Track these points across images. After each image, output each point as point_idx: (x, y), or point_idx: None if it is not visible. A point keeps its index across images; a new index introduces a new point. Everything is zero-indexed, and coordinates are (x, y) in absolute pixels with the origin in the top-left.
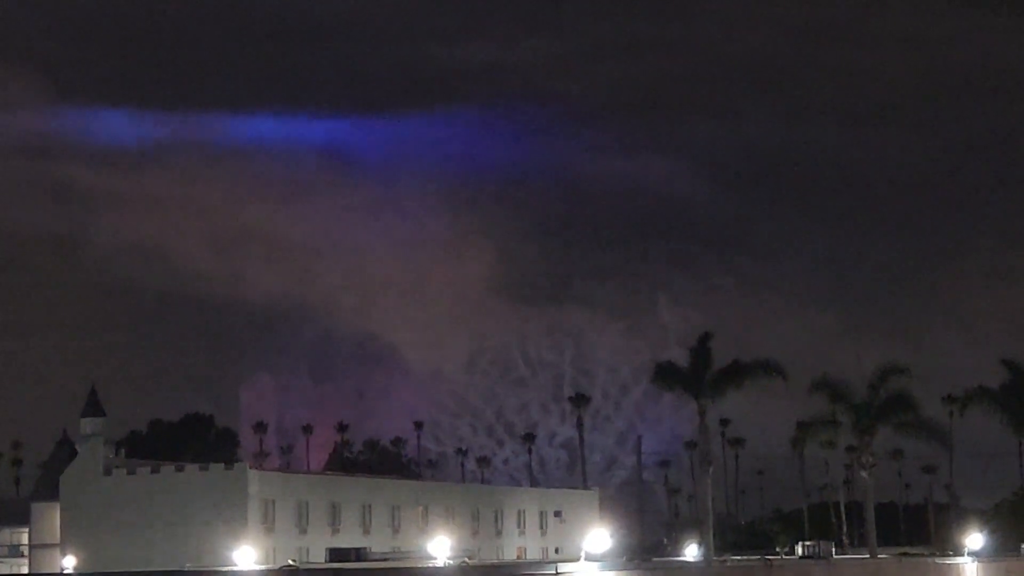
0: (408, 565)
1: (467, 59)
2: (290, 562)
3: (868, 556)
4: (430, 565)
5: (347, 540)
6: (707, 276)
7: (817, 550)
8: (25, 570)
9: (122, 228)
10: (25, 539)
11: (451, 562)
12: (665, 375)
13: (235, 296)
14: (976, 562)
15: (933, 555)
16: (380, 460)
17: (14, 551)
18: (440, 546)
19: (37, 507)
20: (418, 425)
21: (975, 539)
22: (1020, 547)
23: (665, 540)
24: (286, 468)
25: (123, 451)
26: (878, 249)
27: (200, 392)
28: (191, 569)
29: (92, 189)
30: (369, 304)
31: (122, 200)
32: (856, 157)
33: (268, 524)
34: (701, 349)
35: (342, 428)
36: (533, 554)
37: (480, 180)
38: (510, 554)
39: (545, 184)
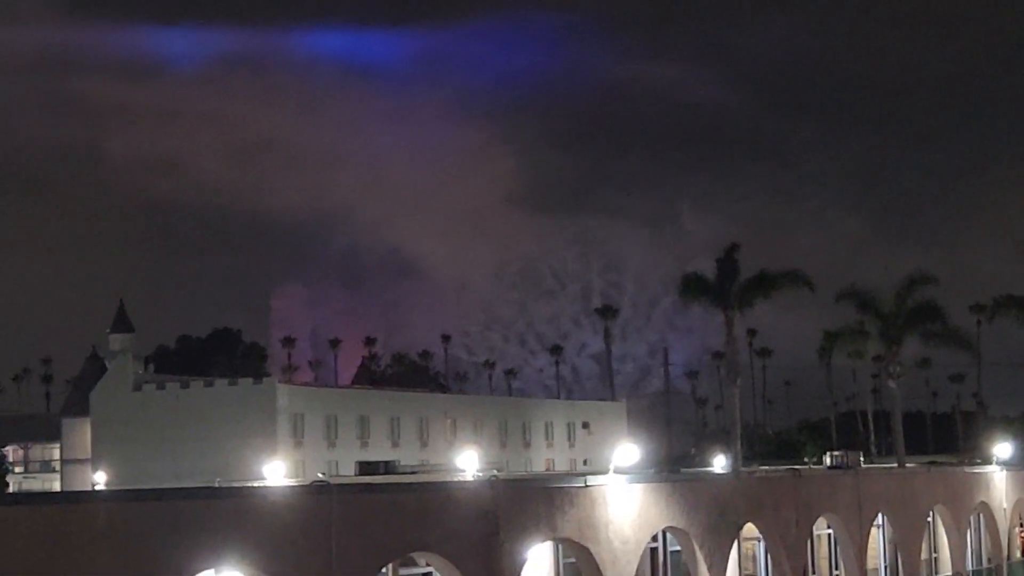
0: (437, 478)
1: None
2: (319, 476)
3: (896, 465)
4: (459, 478)
5: (376, 453)
6: (734, 184)
7: (845, 460)
8: (57, 485)
9: (138, 141)
10: (56, 454)
11: (479, 475)
12: (692, 287)
13: (255, 208)
14: (1005, 470)
15: (961, 464)
16: (408, 373)
17: (46, 466)
18: (468, 459)
19: (68, 423)
20: (445, 338)
21: (1003, 448)
22: None
23: (693, 451)
24: (315, 382)
25: (152, 367)
26: (909, 155)
27: (227, 306)
28: (221, 484)
29: (107, 103)
30: (391, 216)
31: (137, 113)
32: (888, 62)
33: (297, 438)
34: (728, 260)
35: (370, 342)
36: (561, 466)
37: (502, 89)
38: (538, 466)
39: (569, 92)
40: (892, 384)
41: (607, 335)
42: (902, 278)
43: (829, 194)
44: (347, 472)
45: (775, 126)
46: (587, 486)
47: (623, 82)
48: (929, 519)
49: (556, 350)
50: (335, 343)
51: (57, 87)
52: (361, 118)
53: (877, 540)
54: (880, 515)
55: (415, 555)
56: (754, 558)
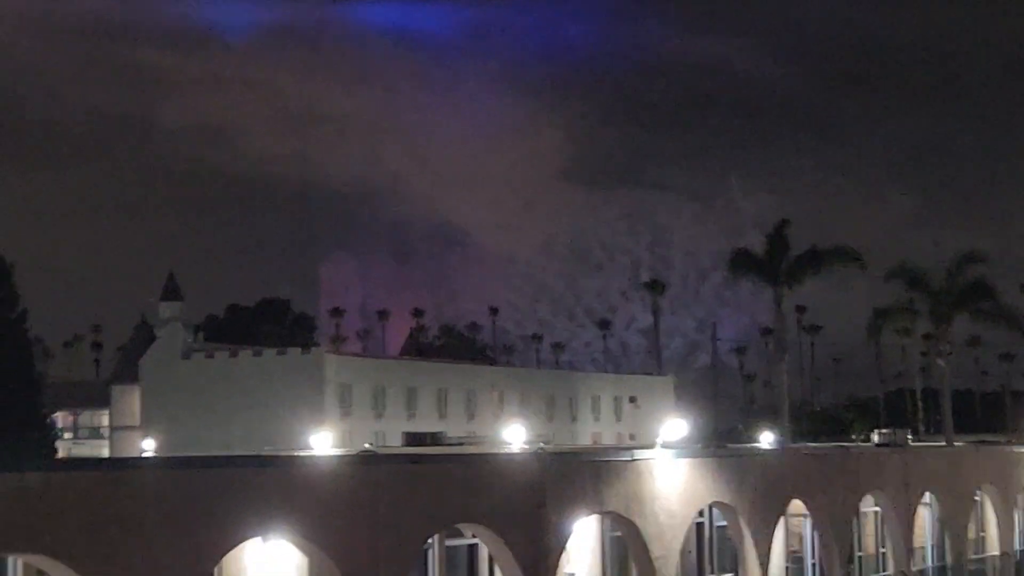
0: (484, 450)
1: None
2: (367, 446)
3: (944, 443)
4: (505, 450)
5: (423, 425)
6: (785, 159)
7: (893, 438)
8: (106, 451)
9: (189, 110)
10: (106, 421)
11: (526, 447)
12: (741, 263)
13: (305, 178)
14: None
15: (1010, 443)
16: (456, 345)
17: (95, 433)
18: (515, 432)
19: (117, 390)
20: (493, 310)
21: None
22: None
23: (740, 427)
24: (363, 353)
25: (201, 335)
26: (962, 133)
27: (276, 276)
28: (269, 452)
29: (158, 71)
30: (440, 188)
31: (188, 82)
32: (944, 38)
33: (345, 408)
34: (778, 236)
35: (418, 313)
36: (608, 440)
37: (551, 61)
38: (584, 440)
39: (619, 65)
40: (941, 362)
41: (655, 309)
42: (953, 256)
43: (880, 170)
44: (394, 443)
45: (827, 101)
46: (634, 460)
47: (673, 55)
48: (977, 498)
49: (604, 324)
50: (383, 314)
51: (110, 56)
52: (410, 89)
53: (924, 519)
54: (927, 494)
55: (461, 526)
56: (800, 535)
